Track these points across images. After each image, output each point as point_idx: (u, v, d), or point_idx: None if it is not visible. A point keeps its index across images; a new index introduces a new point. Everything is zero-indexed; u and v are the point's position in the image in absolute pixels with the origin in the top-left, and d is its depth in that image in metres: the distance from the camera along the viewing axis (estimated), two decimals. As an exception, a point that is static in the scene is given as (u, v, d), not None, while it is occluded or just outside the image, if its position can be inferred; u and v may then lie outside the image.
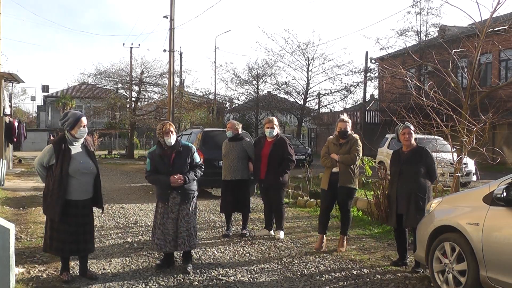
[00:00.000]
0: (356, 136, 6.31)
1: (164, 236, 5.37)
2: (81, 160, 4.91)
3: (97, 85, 35.69)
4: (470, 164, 12.57)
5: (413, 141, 5.64)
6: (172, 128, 5.40)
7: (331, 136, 6.56)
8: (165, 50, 25.67)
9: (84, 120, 4.97)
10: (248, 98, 36.46)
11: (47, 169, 4.94)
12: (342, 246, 6.23)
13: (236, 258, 6.05)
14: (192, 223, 5.50)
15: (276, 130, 7.16)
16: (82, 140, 5.03)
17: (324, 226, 6.38)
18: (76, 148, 4.95)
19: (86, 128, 5.01)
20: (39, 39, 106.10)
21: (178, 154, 5.43)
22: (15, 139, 17.70)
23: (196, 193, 5.60)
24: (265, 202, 7.43)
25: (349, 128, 6.28)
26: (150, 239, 5.95)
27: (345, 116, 6.39)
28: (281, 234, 7.10)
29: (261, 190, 7.56)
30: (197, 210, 6.97)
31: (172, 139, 5.38)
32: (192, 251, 6.29)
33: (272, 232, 7.27)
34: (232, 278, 5.18)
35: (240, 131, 7.47)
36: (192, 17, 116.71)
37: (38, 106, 58.76)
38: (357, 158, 6.13)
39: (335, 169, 6.21)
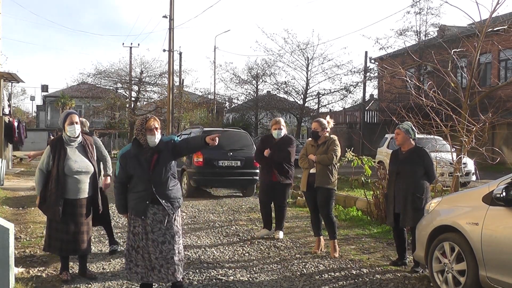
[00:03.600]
0: (334, 136, 6.28)
1: (145, 262, 4.22)
2: (77, 159, 4.91)
3: (97, 85, 35.75)
4: (469, 164, 12.58)
5: (406, 141, 5.62)
6: (158, 125, 4.28)
7: (309, 138, 6.57)
8: (164, 50, 25.74)
9: (74, 117, 4.93)
10: (247, 98, 36.49)
11: (46, 177, 4.90)
12: (334, 251, 6.10)
13: (236, 258, 6.05)
14: (181, 243, 4.39)
15: (284, 130, 7.17)
16: (80, 140, 5.02)
17: (318, 227, 6.35)
18: (72, 148, 4.95)
19: (78, 125, 4.95)
20: (39, 39, 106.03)
21: (161, 155, 4.27)
22: (15, 138, 17.68)
23: (181, 201, 4.45)
24: (266, 201, 7.28)
25: (322, 129, 6.20)
26: (124, 266, 4.43)
27: (322, 119, 6.36)
28: (281, 234, 7.08)
29: (267, 189, 7.25)
30: (197, 210, 6.89)
31: (157, 138, 4.26)
32: (192, 250, 6.30)
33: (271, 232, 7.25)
34: (232, 277, 5.17)
35: (87, 128, 6.30)
36: (192, 17, 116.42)
37: (37, 106, 58.76)
38: (334, 157, 6.06)
39: (312, 170, 6.17)
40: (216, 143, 4.19)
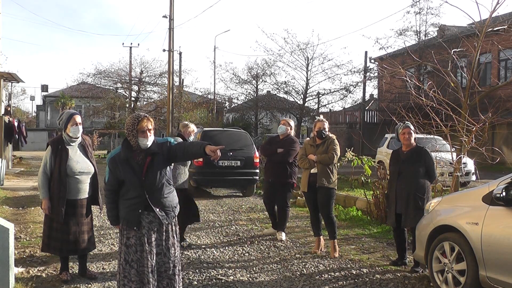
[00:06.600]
0: (333, 136, 6.30)
1: (139, 277, 3.77)
2: (78, 160, 4.90)
3: (97, 85, 35.78)
4: (469, 163, 12.58)
5: (412, 140, 5.65)
6: (151, 126, 3.80)
7: (307, 138, 6.59)
8: (164, 50, 25.75)
9: (77, 118, 4.92)
10: (247, 97, 36.52)
11: (49, 181, 4.86)
12: (334, 251, 6.11)
13: (236, 257, 6.05)
14: (178, 255, 3.96)
15: (289, 130, 7.21)
16: (79, 140, 5.00)
17: (317, 227, 6.36)
18: (73, 148, 4.94)
19: (80, 126, 4.93)
20: (39, 39, 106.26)
21: (154, 158, 3.80)
22: (19, 141, 17.66)
23: (177, 210, 4.00)
24: (267, 201, 7.34)
25: (326, 128, 6.26)
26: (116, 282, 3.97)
27: (322, 117, 6.45)
28: (283, 236, 7.05)
29: (268, 189, 7.32)
30: (199, 211, 6.86)
31: (149, 141, 3.77)
32: (192, 250, 6.30)
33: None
34: (232, 277, 5.18)
35: None
36: (192, 16, 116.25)
37: (37, 106, 58.73)
38: (335, 157, 6.08)
39: (313, 170, 6.17)
40: (218, 157, 3.68)
